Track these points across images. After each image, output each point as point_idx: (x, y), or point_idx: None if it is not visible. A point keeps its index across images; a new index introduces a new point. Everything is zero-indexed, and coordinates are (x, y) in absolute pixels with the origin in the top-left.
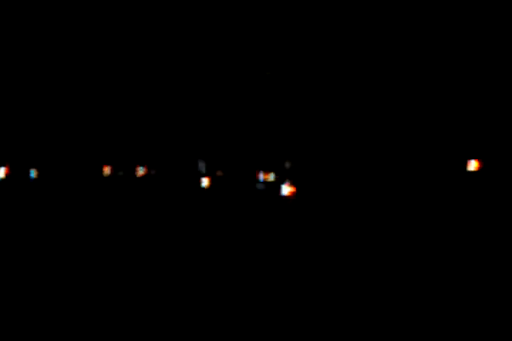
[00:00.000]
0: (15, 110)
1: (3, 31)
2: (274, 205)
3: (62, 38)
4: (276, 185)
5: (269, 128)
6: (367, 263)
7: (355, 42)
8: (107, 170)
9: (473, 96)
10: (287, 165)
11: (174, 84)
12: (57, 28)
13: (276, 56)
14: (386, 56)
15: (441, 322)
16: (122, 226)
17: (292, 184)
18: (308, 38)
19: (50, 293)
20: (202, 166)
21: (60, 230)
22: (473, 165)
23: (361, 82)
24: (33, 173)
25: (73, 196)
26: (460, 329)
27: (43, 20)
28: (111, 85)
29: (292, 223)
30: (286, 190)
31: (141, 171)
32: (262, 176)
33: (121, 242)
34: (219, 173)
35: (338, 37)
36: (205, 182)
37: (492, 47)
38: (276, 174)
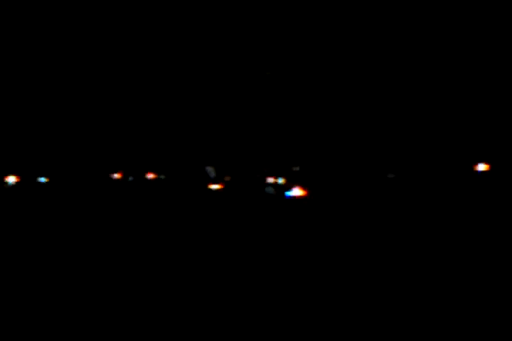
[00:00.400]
0: (25, 118)
1: (3, 31)
2: (283, 208)
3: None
4: (285, 188)
5: (276, 131)
6: (375, 265)
7: (355, 42)
8: (117, 175)
9: (483, 97)
10: (296, 168)
11: (181, 91)
12: (59, 30)
13: (276, 56)
14: (387, 56)
15: (443, 322)
16: (131, 230)
17: (301, 187)
18: (308, 38)
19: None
20: (211, 171)
21: (70, 233)
22: (481, 167)
23: (365, 81)
24: (43, 179)
25: (84, 200)
26: (460, 329)
27: (43, 21)
28: (121, 93)
29: (301, 225)
30: (295, 192)
31: (150, 176)
32: (270, 179)
33: (130, 245)
34: (227, 178)
35: (338, 37)
36: (214, 186)
37: (493, 47)
38: (285, 177)
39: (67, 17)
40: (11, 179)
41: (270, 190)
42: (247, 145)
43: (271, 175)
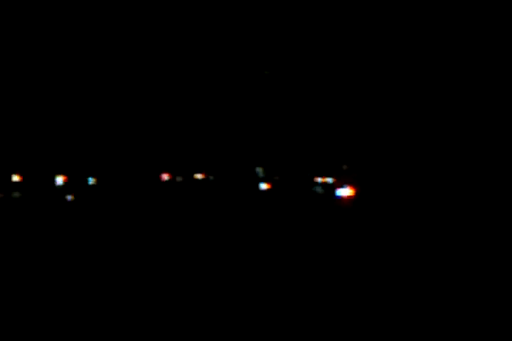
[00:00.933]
0: (75, 119)
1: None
2: (332, 207)
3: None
4: (334, 188)
5: (325, 131)
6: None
7: (355, 42)
8: (165, 176)
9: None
10: (344, 167)
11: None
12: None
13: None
14: (388, 56)
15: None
16: (182, 230)
17: (351, 186)
18: (308, 38)
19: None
20: (259, 171)
21: (121, 233)
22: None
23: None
24: (91, 180)
25: (133, 200)
26: (461, 330)
27: (44, 20)
28: (169, 94)
29: (350, 224)
30: (344, 192)
31: (199, 176)
32: (319, 179)
33: (181, 245)
34: (276, 177)
35: (337, 37)
36: (263, 186)
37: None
38: (334, 177)
39: (67, 17)
40: (59, 179)
41: (319, 189)
42: (295, 145)
43: (320, 174)
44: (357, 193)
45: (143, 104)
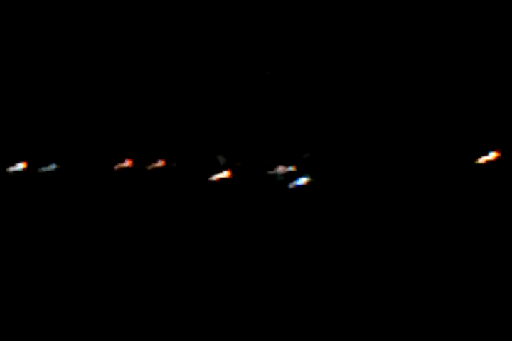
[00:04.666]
0: (34, 103)
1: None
2: (291, 197)
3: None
4: (294, 176)
5: (285, 119)
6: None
7: (355, 42)
8: (127, 163)
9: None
10: (306, 156)
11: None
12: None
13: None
14: (387, 56)
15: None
16: (143, 221)
17: (311, 175)
18: (308, 38)
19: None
20: (221, 159)
21: (80, 224)
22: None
23: (368, 79)
24: (53, 167)
25: (93, 189)
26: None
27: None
28: (132, 77)
29: (308, 216)
30: (303, 181)
31: (159, 163)
32: (280, 168)
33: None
34: (238, 164)
35: (338, 37)
36: (224, 173)
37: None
38: (295, 165)
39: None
40: (19, 166)
41: (280, 177)
42: (257, 133)
43: (281, 163)
44: (318, 182)
45: (105, 90)
